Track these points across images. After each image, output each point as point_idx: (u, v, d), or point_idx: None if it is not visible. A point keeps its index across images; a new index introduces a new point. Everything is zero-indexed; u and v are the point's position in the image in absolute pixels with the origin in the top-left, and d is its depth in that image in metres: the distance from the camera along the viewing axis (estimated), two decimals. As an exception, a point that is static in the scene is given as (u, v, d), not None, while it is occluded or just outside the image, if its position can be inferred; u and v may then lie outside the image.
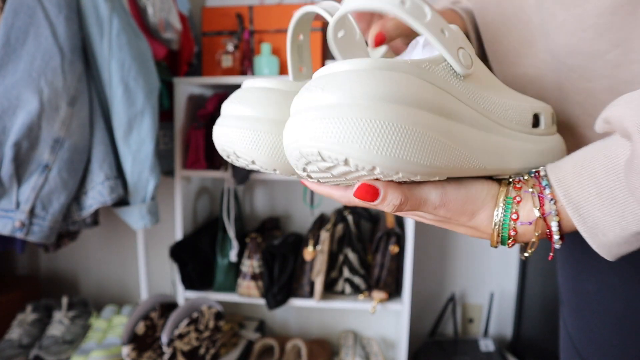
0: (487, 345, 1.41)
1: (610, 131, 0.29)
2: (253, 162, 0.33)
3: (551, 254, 0.32)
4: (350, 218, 1.34)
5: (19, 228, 0.86)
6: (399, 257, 1.29)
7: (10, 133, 0.83)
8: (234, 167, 1.23)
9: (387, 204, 0.29)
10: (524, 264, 1.45)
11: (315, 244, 1.28)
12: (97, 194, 0.95)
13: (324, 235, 1.27)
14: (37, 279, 1.56)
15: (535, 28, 0.37)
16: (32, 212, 0.87)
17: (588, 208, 0.28)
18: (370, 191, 0.29)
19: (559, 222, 0.29)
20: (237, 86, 1.31)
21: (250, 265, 1.30)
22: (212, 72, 1.34)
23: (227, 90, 1.39)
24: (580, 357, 0.46)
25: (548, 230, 0.30)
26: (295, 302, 1.29)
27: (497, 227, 0.31)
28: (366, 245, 1.37)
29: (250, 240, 1.32)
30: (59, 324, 1.28)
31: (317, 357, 1.38)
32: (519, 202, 0.30)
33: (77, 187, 0.94)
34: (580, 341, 0.46)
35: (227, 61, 1.27)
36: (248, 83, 0.36)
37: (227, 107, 0.35)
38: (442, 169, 0.27)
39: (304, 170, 0.28)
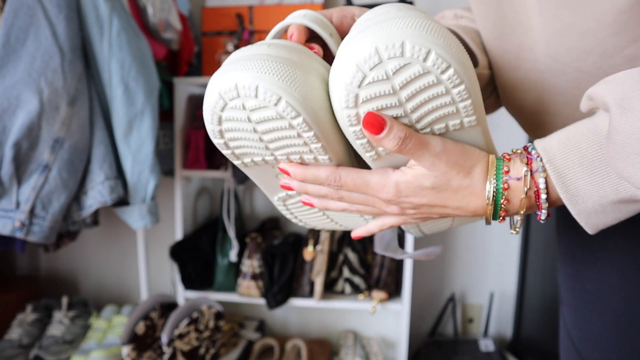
0: (487, 345, 1.41)
1: (594, 108, 0.31)
2: (277, 102, 0.30)
3: (538, 213, 0.33)
4: (350, 218, 1.34)
5: (19, 228, 0.86)
6: (399, 257, 1.29)
7: (10, 133, 0.83)
8: (234, 167, 1.23)
9: (392, 136, 0.30)
10: (524, 264, 1.45)
11: (315, 243, 1.28)
12: (97, 194, 0.95)
13: (324, 235, 1.27)
14: (37, 279, 1.56)
15: (536, 32, 0.37)
16: (32, 212, 0.87)
17: (571, 176, 0.30)
18: (377, 121, 0.30)
19: (546, 179, 0.31)
20: (237, 86, 1.31)
21: (250, 265, 1.30)
22: (212, 72, 1.34)
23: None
24: (579, 356, 0.46)
25: (536, 189, 0.32)
26: (295, 302, 1.29)
27: (491, 179, 0.32)
28: (366, 245, 1.37)
29: (250, 240, 1.32)
30: (59, 324, 1.28)
31: (317, 357, 1.38)
32: (508, 159, 0.33)
33: (77, 187, 0.94)
34: (580, 340, 0.46)
35: (227, 61, 1.27)
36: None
37: (241, 51, 0.31)
38: (475, 89, 0.30)
39: (357, 91, 0.28)
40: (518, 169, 0.32)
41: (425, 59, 0.27)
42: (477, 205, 0.33)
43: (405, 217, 0.37)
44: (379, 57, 0.27)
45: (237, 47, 1.29)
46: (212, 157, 1.30)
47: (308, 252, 1.27)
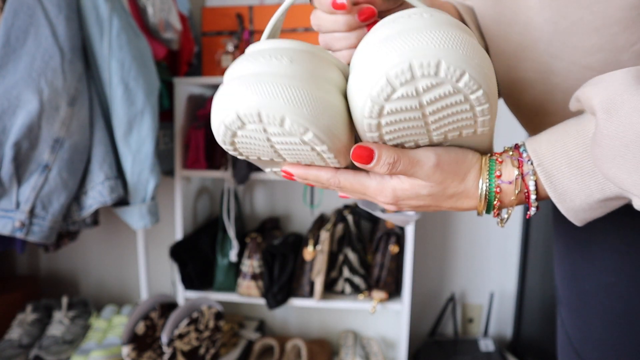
0: (487, 345, 1.41)
1: (581, 109, 0.31)
2: (304, 133, 0.29)
3: (528, 212, 0.34)
4: (350, 218, 1.34)
5: (19, 228, 0.86)
6: (399, 257, 1.29)
7: (10, 133, 0.83)
8: (234, 167, 1.23)
9: (382, 163, 0.32)
10: (524, 264, 1.45)
11: (315, 243, 1.28)
12: (97, 194, 0.95)
13: (324, 235, 1.27)
14: (37, 279, 1.56)
15: (536, 31, 0.36)
16: (32, 212, 0.87)
17: (559, 176, 0.31)
18: (365, 152, 0.31)
19: (535, 181, 0.32)
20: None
21: (250, 265, 1.30)
22: (212, 72, 1.34)
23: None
24: (578, 356, 0.46)
25: (526, 191, 0.33)
26: (295, 302, 1.29)
27: (484, 185, 0.33)
28: (366, 245, 1.37)
29: (250, 240, 1.32)
30: (59, 324, 1.28)
31: (317, 357, 1.38)
32: (500, 162, 0.34)
33: (77, 187, 0.94)
34: (578, 340, 0.46)
35: (227, 61, 1.28)
36: (262, 45, 0.31)
37: (259, 63, 0.29)
38: (495, 104, 0.30)
39: (384, 104, 0.28)
40: (510, 172, 0.33)
41: (458, 80, 0.27)
42: (470, 205, 0.35)
43: None
44: (412, 74, 0.26)
45: (237, 47, 1.29)
46: (212, 157, 1.30)
47: (308, 252, 1.27)
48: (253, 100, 0.28)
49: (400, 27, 0.28)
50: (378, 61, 0.27)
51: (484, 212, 0.35)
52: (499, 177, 0.33)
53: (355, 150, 0.31)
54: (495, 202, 0.34)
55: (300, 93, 0.28)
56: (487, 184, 0.33)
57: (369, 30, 0.35)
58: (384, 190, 0.35)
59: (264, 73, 0.28)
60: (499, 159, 0.34)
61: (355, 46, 0.36)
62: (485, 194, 0.33)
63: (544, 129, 0.42)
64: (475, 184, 0.34)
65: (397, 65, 0.26)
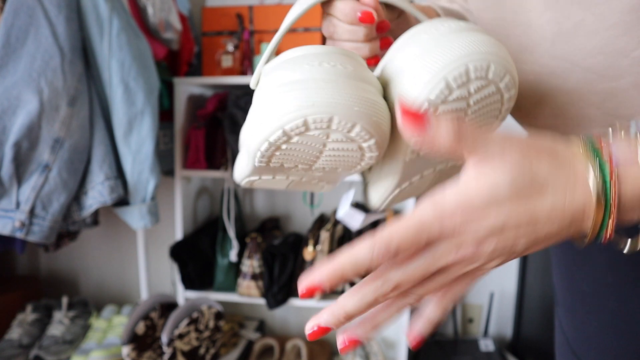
0: (487, 345, 1.41)
1: None
2: (369, 139, 0.29)
3: None
4: (350, 218, 1.34)
5: (19, 228, 0.86)
6: (399, 257, 1.29)
7: (10, 133, 0.83)
8: (234, 167, 1.23)
9: (444, 127, 0.23)
10: (524, 264, 1.45)
11: (315, 244, 1.28)
12: (97, 194, 0.95)
13: (324, 235, 1.27)
14: (37, 279, 1.56)
15: (537, 32, 0.36)
16: (32, 212, 0.87)
17: None
18: (417, 118, 0.22)
19: None
20: (237, 86, 1.31)
21: (251, 265, 1.30)
22: (212, 72, 1.34)
23: (227, 90, 1.39)
24: (575, 356, 0.46)
25: None
26: (295, 302, 1.29)
27: (591, 170, 0.22)
28: (366, 245, 1.37)
29: (250, 240, 1.32)
30: (59, 324, 1.28)
31: (317, 357, 1.38)
32: (602, 145, 0.24)
33: (77, 187, 0.94)
34: (576, 341, 0.46)
35: (227, 61, 1.27)
36: (311, 49, 0.29)
37: (322, 68, 0.27)
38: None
39: (439, 105, 0.29)
40: (625, 149, 0.22)
41: (501, 80, 0.29)
42: (581, 201, 0.22)
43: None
44: (467, 77, 0.28)
45: (237, 47, 1.29)
46: (212, 157, 1.30)
47: (308, 252, 1.27)
48: (327, 106, 0.26)
49: (445, 34, 0.30)
50: (434, 65, 0.28)
51: (599, 227, 0.23)
52: (610, 157, 0.22)
53: (404, 112, 0.22)
54: (612, 199, 0.22)
55: (371, 101, 0.28)
56: (597, 169, 0.22)
57: (381, 41, 0.36)
58: (444, 209, 0.23)
59: (333, 80, 0.27)
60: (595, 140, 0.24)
61: (366, 56, 0.36)
62: (598, 183, 0.22)
63: (546, 131, 0.41)
64: (575, 159, 0.23)
65: (456, 69, 0.28)
